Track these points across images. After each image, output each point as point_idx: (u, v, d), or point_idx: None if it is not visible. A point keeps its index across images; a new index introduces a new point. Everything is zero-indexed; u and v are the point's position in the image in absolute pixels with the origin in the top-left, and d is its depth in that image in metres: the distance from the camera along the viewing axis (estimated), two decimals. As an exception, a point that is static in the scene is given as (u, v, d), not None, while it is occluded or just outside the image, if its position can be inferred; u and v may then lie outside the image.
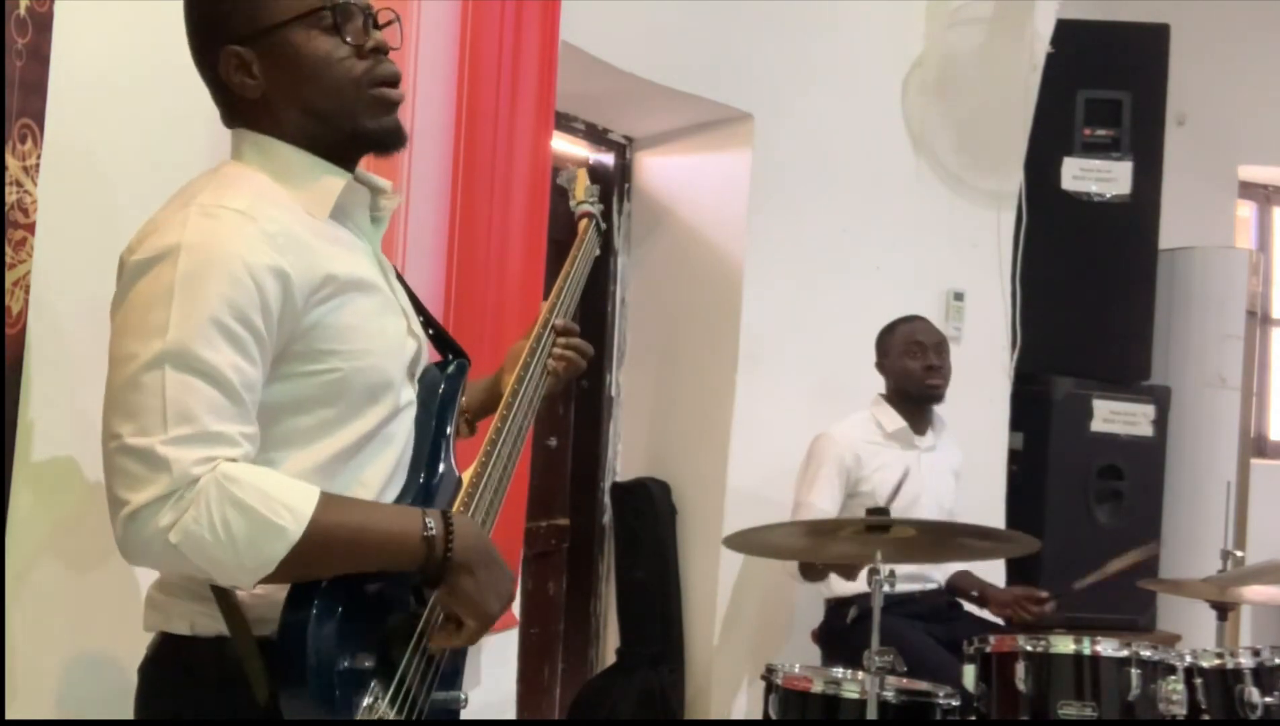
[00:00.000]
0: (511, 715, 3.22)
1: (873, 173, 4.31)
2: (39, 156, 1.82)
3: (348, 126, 1.55)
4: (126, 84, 2.04)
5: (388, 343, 1.56)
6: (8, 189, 1.76)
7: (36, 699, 1.91)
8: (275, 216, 1.46)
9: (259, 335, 1.40)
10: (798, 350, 4.08)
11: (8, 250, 1.77)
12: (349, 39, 1.53)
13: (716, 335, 4.02)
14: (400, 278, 1.72)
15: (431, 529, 1.45)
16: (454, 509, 1.59)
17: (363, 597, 1.46)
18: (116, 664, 2.05)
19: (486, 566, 1.50)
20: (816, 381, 4.10)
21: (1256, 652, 2.93)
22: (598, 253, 2.15)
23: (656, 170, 4.24)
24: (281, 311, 1.42)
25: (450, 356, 1.79)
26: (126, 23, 2.03)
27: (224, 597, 1.44)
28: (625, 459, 4.22)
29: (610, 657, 4.09)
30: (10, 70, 1.76)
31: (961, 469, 3.84)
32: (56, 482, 1.95)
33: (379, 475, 1.55)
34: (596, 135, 4.12)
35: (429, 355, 1.76)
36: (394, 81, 1.58)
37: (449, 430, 1.69)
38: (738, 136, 4.01)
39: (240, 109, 1.56)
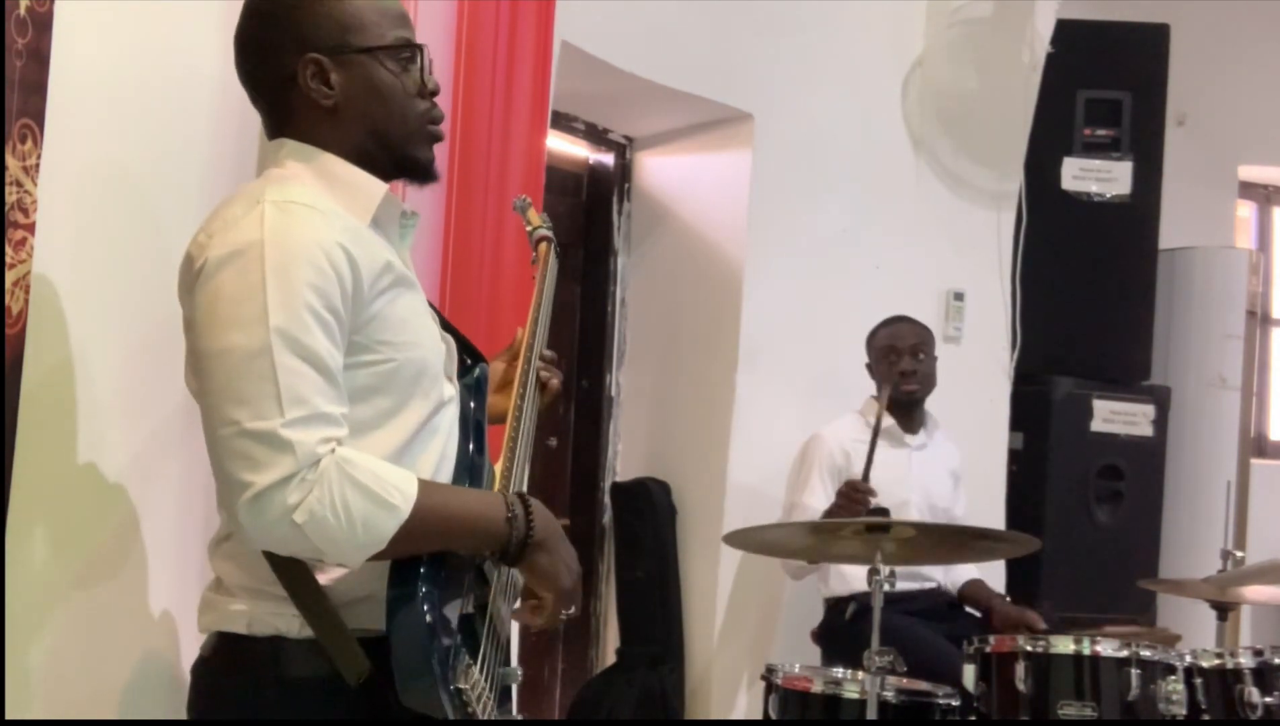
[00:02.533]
0: (511, 715, 3.22)
1: (873, 173, 4.31)
2: (39, 156, 1.82)
3: (400, 152, 1.66)
4: (126, 84, 2.04)
5: (431, 337, 1.65)
6: (8, 189, 1.76)
7: (36, 698, 1.91)
8: (336, 209, 1.55)
9: (341, 320, 1.49)
10: (798, 350, 4.08)
11: (8, 250, 1.77)
12: (417, 78, 1.66)
13: (716, 335, 4.02)
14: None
15: (515, 511, 1.56)
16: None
17: (448, 579, 1.54)
18: (118, 662, 2.05)
19: (558, 543, 1.61)
20: (816, 381, 4.09)
21: (1257, 652, 2.93)
22: (557, 268, 2.20)
23: (656, 170, 4.24)
24: (354, 296, 1.51)
25: (470, 360, 1.84)
26: (126, 23, 2.03)
27: (306, 590, 1.50)
28: (625, 459, 4.22)
29: (610, 657, 4.09)
30: (10, 70, 1.76)
31: (961, 469, 3.84)
32: (57, 482, 1.95)
33: (429, 465, 1.61)
34: (596, 135, 4.12)
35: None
36: (441, 123, 1.72)
37: (482, 429, 1.76)
38: (738, 136, 4.01)
39: (300, 116, 1.62)
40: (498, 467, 1.74)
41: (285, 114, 1.64)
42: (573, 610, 1.64)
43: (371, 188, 1.62)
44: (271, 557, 1.51)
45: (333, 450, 1.42)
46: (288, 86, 1.62)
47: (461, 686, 1.48)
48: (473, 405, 1.76)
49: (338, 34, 1.61)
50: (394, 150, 1.65)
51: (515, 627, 1.80)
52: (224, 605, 1.56)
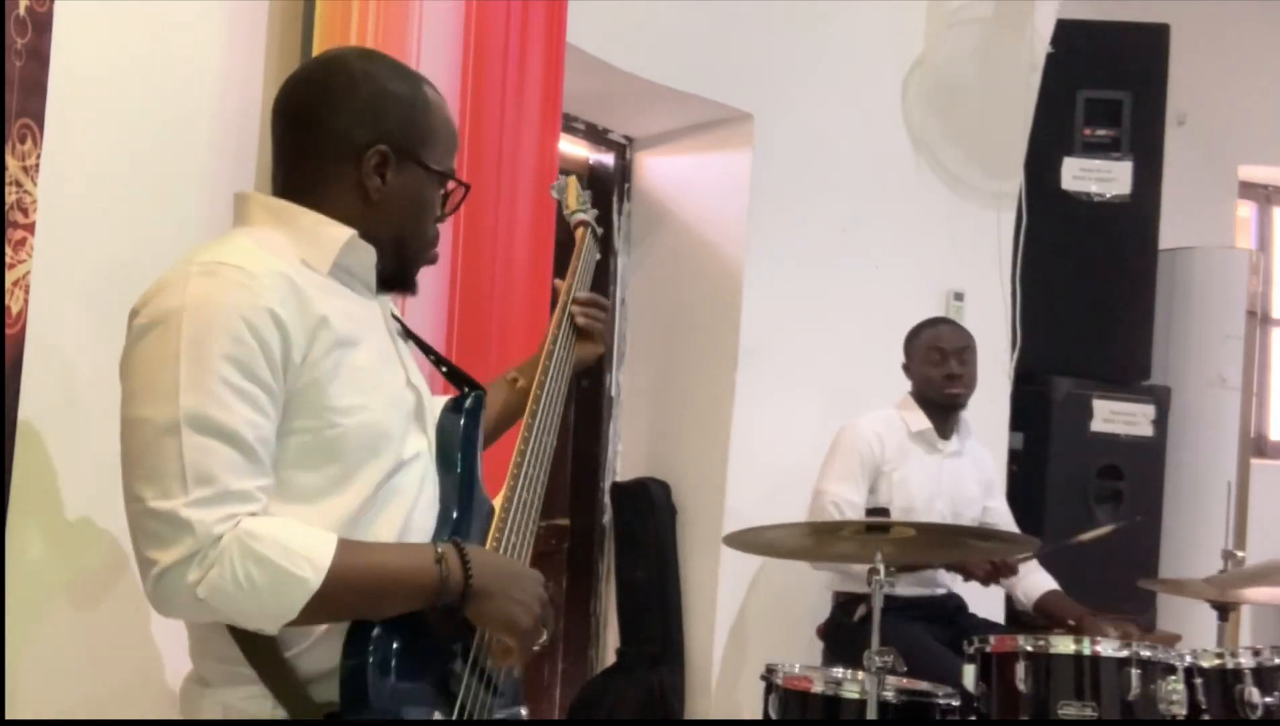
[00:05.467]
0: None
1: (873, 173, 4.31)
2: (39, 156, 1.82)
3: (406, 264, 1.71)
4: (126, 84, 2.04)
5: (386, 395, 1.61)
6: (8, 189, 1.76)
7: (36, 698, 1.91)
8: (273, 269, 1.51)
9: (267, 387, 1.47)
10: (798, 350, 4.08)
11: (8, 250, 1.77)
12: (443, 211, 1.73)
13: (716, 335, 4.02)
14: (404, 327, 1.81)
15: (446, 561, 1.51)
16: (489, 535, 1.67)
17: (415, 633, 1.51)
18: (118, 661, 2.05)
19: (505, 584, 1.56)
20: (817, 381, 4.09)
21: (1256, 652, 2.93)
22: (598, 257, 2.20)
23: (656, 170, 4.24)
24: (285, 359, 1.48)
25: (465, 389, 1.84)
26: (126, 23, 2.03)
27: (273, 666, 1.49)
28: (625, 459, 4.22)
29: (610, 657, 4.09)
30: (10, 70, 1.76)
31: (996, 476, 3.84)
32: (56, 482, 1.95)
33: (391, 527, 1.58)
34: (596, 135, 4.12)
35: (439, 391, 1.82)
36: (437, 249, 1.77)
37: (475, 465, 1.74)
38: (738, 136, 4.01)
39: (335, 189, 1.63)
40: (496, 501, 1.72)
41: (320, 175, 1.63)
42: (544, 640, 1.61)
43: (335, 234, 1.60)
44: (236, 635, 1.50)
45: (236, 524, 1.40)
46: (342, 159, 1.62)
47: None
48: (462, 429, 1.74)
49: (413, 137, 1.65)
50: (403, 260, 1.69)
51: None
52: (198, 699, 1.56)
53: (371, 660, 1.45)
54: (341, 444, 1.53)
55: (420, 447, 1.67)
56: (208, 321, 1.44)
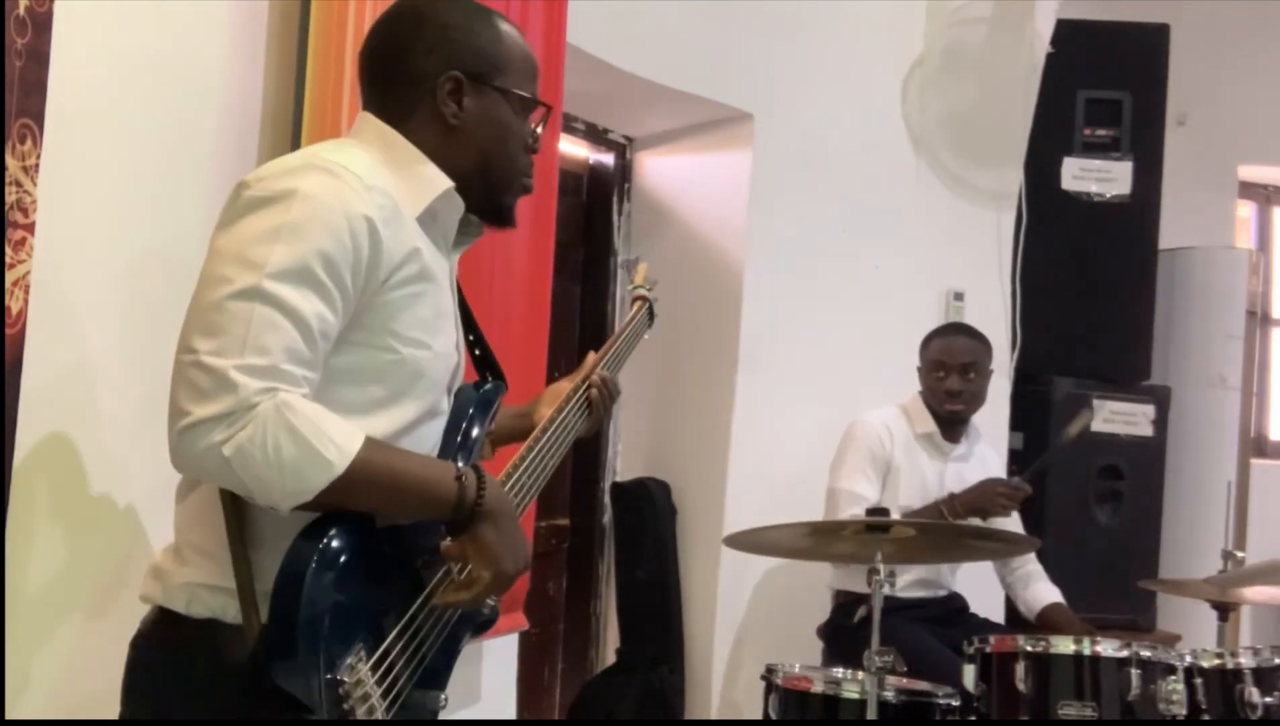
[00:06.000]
0: (512, 715, 3.22)
1: (873, 173, 4.31)
2: (39, 156, 1.82)
3: (495, 191, 1.73)
4: (126, 84, 2.04)
5: (443, 343, 1.66)
6: (8, 189, 1.76)
7: (36, 698, 1.91)
8: (384, 188, 1.56)
9: (345, 289, 1.50)
10: (798, 350, 4.08)
11: (8, 250, 1.77)
12: (530, 132, 1.75)
13: (717, 335, 4.02)
14: (461, 298, 1.82)
15: (463, 474, 1.55)
16: None
17: (364, 566, 1.51)
18: (118, 661, 2.05)
19: (510, 524, 1.59)
20: (817, 381, 4.09)
21: (1256, 652, 2.93)
22: (646, 336, 2.31)
23: (656, 170, 4.24)
24: (369, 273, 1.52)
25: (489, 376, 1.87)
26: (126, 23, 2.03)
27: (241, 566, 1.49)
28: (625, 459, 4.22)
29: (610, 657, 4.09)
30: (10, 70, 1.76)
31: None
32: (56, 482, 1.95)
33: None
34: (596, 135, 4.12)
35: (466, 374, 1.82)
36: (532, 180, 1.80)
37: (474, 444, 1.76)
38: (738, 136, 4.01)
39: (419, 120, 1.67)
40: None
41: (405, 111, 1.67)
42: (492, 603, 1.61)
43: (435, 179, 1.65)
44: (227, 518, 1.51)
45: (275, 395, 1.41)
46: (420, 90, 1.67)
47: (342, 679, 1.45)
48: (469, 417, 1.76)
49: (485, 64, 1.69)
50: (491, 187, 1.72)
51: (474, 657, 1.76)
52: (170, 574, 1.56)
53: (314, 566, 1.44)
54: (394, 371, 1.57)
55: (447, 407, 1.71)
56: (315, 212, 1.48)
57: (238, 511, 1.51)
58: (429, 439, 1.66)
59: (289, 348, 1.44)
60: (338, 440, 1.44)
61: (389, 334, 1.56)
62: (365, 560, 1.51)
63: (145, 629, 1.58)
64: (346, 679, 1.45)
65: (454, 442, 1.73)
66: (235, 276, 1.45)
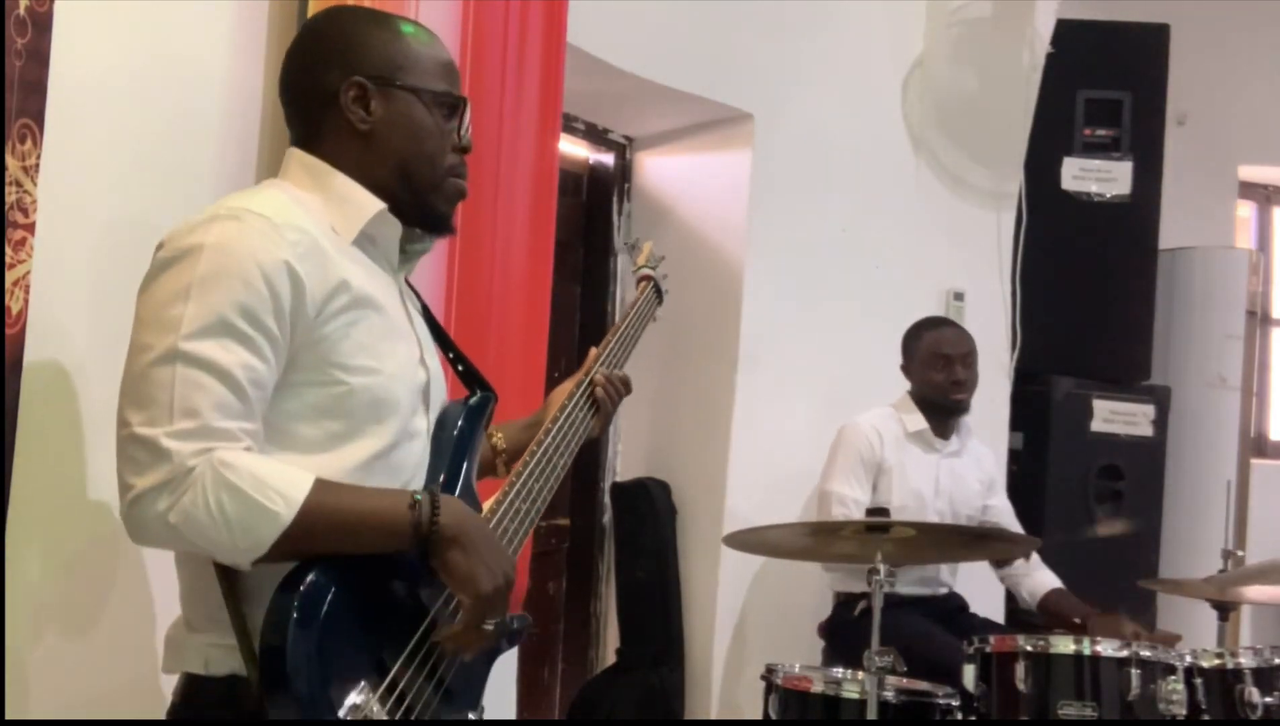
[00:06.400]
0: (511, 715, 3.22)
1: (873, 173, 4.31)
2: (39, 156, 1.82)
3: (422, 196, 1.68)
4: (126, 84, 2.04)
5: (397, 364, 1.61)
6: (8, 189, 1.76)
7: (36, 698, 1.91)
8: (298, 224, 1.53)
9: (270, 334, 1.48)
10: (798, 350, 4.08)
11: (8, 250, 1.77)
12: (454, 131, 1.70)
13: (717, 335, 4.02)
14: (428, 313, 1.81)
15: (418, 500, 1.51)
16: None
17: (352, 603, 1.48)
18: (117, 661, 2.05)
19: (478, 543, 1.54)
20: (817, 381, 4.09)
21: (1257, 652, 2.93)
22: (654, 318, 2.26)
23: (656, 170, 4.24)
24: (295, 313, 1.49)
25: (476, 390, 1.84)
26: (126, 23, 2.03)
27: (237, 618, 1.49)
28: (625, 459, 4.22)
29: (610, 657, 4.09)
30: (10, 70, 1.76)
31: (996, 474, 3.83)
32: (57, 482, 1.95)
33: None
34: (596, 135, 4.12)
35: (448, 390, 1.80)
36: (465, 181, 1.74)
37: (465, 460, 1.72)
38: (738, 136, 4.01)
39: (332, 135, 1.65)
40: (486, 505, 1.70)
41: (316, 130, 1.66)
42: (495, 622, 1.54)
43: (365, 203, 1.63)
44: (220, 578, 1.50)
45: (211, 453, 1.41)
46: (326, 104, 1.65)
47: (350, 718, 1.42)
48: (456, 433, 1.72)
49: (387, 65, 1.65)
50: (416, 192, 1.67)
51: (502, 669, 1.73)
52: (183, 642, 1.57)
53: (293, 622, 1.41)
54: (347, 402, 1.55)
55: (424, 426, 1.68)
56: (223, 263, 1.46)
57: (226, 570, 1.50)
58: (407, 463, 1.63)
59: (218, 404, 1.43)
60: (282, 489, 1.42)
61: (332, 367, 1.53)
62: (352, 597, 1.48)
63: (175, 699, 1.58)
64: (354, 718, 1.43)
65: (441, 463, 1.69)
66: (154, 342, 1.44)
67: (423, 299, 1.84)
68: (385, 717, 1.47)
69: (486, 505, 1.70)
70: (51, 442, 1.92)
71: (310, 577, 1.44)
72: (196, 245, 1.47)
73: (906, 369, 3.72)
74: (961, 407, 3.65)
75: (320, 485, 1.45)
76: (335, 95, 1.64)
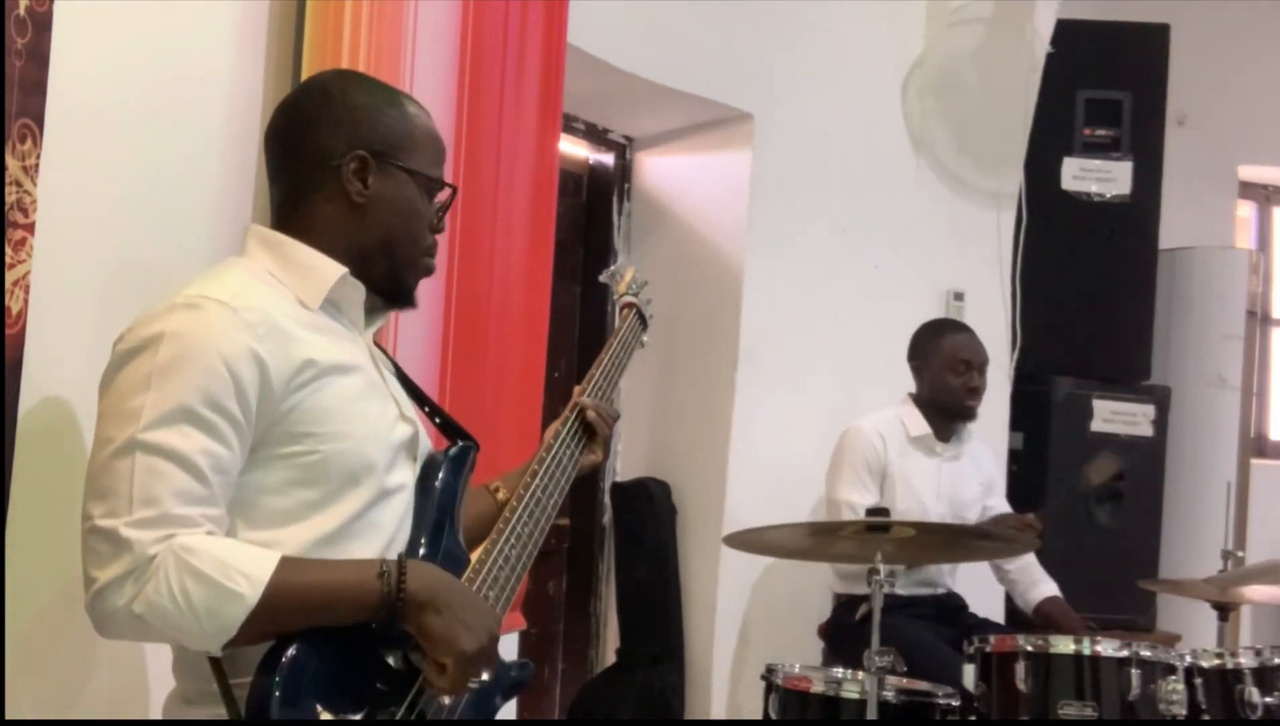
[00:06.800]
0: (511, 715, 3.22)
1: (873, 173, 4.31)
2: (39, 156, 1.82)
3: (399, 270, 1.71)
4: (126, 84, 2.04)
5: (370, 425, 1.61)
6: (8, 189, 1.76)
7: (35, 698, 1.91)
8: (258, 306, 1.53)
9: (233, 419, 1.48)
10: (797, 350, 4.08)
11: (8, 250, 1.77)
12: (436, 217, 1.75)
13: (716, 335, 4.02)
14: (400, 371, 1.81)
15: (386, 569, 1.49)
16: (468, 573, 1.65)
17: (336, 675, 1.48)
18: (117, 662, 2.05)
19: (453, 603, 1.52)
20: (817, 381, 4.09)
21: (1257, 652, 2.93)
22: (640, 346, 2.24)
23: (656, 170, 4.24)
24: (260, 397, 1.50)
25: (457, 441, 1.82)
26: (126, 23, 2.03)
27: (226, 694, 1.49)
28: (625, 459, 4.22)
29: (610, 657, 4.09)
30: (10, 70, 1.76)
31: (996, 476, 3.83)
32: (57, 483, 1.95)
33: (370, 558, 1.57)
34: (596, 135, 4.12)
35: (431, 442, 1.79)
36: (434, 261, 1.79)
37: (448, 512, 1.71)
38: (738, 136, 4.01)
39: (322, 201, 1.66)
40: (475, 553, 1.70)
41: (305, 192, 1.66)
42: (485, 678, 1.53)
43: (326, 270, 1.64)
44: (212, 664, 1.50)
45: (170, 542, 1.40)
46: (323, 169, 1.66)
47: None
48: (440, 481, 1.71)
49: (391, 144, 1.68)
50: (395, 266, 1.70)
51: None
52: (180, 714, 1.57)
53: (278, 695, 1.41)
54: (321, 469, 1.54)
55: (407, 480, 1.67)
56: (182, 351, 1.47)
57: None
58: (388, 521, 1.62)
59: (177, 491, 1.43)
60: (246, 570, 1.42)
61: (304, 437, 1.54)
62: (337, 666, 1.47)
63: None
64: None
65: (424, 517, 1.68)
66: (115, 434, 1.44)
67: (394, 358, 1.86)
68: None
69: (475, 555, 1.70)
70: (51, 442, 1.92)
71: (290, 653, 1.43)
72: (156, 334, 1.48)
73: (917, 368, 3.70)
74: (971, 415, 3.65)
75: (285, 562, 1.45)
76: (334, 161, 1.65)
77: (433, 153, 1.74)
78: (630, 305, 2.26)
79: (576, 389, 2.03)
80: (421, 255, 1.73)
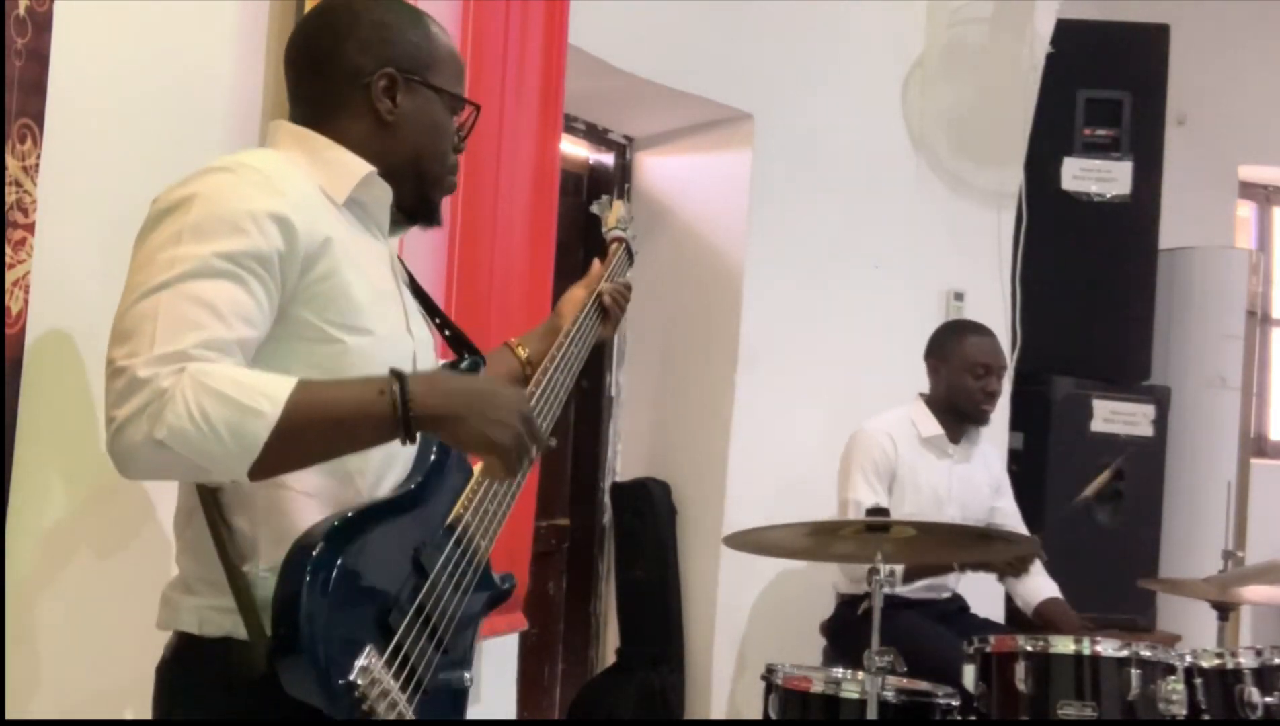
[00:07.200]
0: (512, 715, 3.22)
1: (873, 173, 4.31)
2: (39, 156, 1.82)
3: (426, 187, 1.74)
4: (126, 84, 2.04)
5: (388, 328, 1.63)
6: (8, 189, 1.76)
7: (35, 698, 1.91)
8: (290, 179, 1.56)
9: (261, 277, 1.48)
10: (797, 350, 4.08)
11: (8, 250, 1.77)
12: (460, 134, 1.77)
13: (716, 335, 4.02)
14: (414, 282, 1.82)
15: (385, 388, 1.46)
16: (467, 489, 1.69)
17: (361, 567, 1.49)
18: (117, 661, 2.05)
19: (473, 403, 1.51)
20: (817, 381, 4.10)
21: (1257, 652, 2.93)
22: (627, 273, 2.31)
23: (656, 170, 4.24)
24: (285, 261, 1.50)
25: (465, 355, 1.85)
26: (126, 22, 2.04)
27: (238, 585, 1.50)
28: (625, 459, 4.22)
29: (610, 657, 4.09)
30: (10, 70, 1.76)
31: (1003, 478, 3.82)
32: (57, 482, 1.95)
33: (373, 460, 1.59)
34: (596, 135, 4.12)
35: (438, 354, 1.81)
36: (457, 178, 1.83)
37: None
38: (738, 136, 4.01)
39: (351, 116, 1.67)
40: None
41: (335, 108, 1.67)
42: (537, 452, 1.58)
43: (353, 166, 1.64)
44: (215, 537, 1.51)
45: (184, 371, 1.38)
46: (353, 87, 1.67)
47: (356, 681, 1.43)
48: None
49: (419, 63, 1.70)
50: (423, 183, 1.72)
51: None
52: (179, 602, 1.57)
53: (306, 586, 1.41)
54: (341, 360, 1.54)
55: None
56: (215, 210, 1.47)
57: (225, 528, 1.52)
58: None
59: (201, 336, 1.41)
60: (265, 391, 1.40)
61: (327, 323, 1.54)
62: (362, 561, 1.49)
63: (166, 655, 1.59)
64: (361, 681, 1.43)
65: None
66: (143, 280, 1.44)
67: (410, 271, 1.86)
68: (391, 681, 1.47)
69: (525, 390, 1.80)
70: (51, 442, 1.92)
71: (321, 543, 1.44)
72: (190, 195, 1.48)
73: (934, 367, 3.69)
74: (985, 420, 3.64)
75: (302, 383, 1.43)
76: (364, 79, 1.66)
77: (455, 71, 1.75)
78: (619, 240, 2.30)
79: (597, 262, 2.24)
80: (447, 172, 1.76)
